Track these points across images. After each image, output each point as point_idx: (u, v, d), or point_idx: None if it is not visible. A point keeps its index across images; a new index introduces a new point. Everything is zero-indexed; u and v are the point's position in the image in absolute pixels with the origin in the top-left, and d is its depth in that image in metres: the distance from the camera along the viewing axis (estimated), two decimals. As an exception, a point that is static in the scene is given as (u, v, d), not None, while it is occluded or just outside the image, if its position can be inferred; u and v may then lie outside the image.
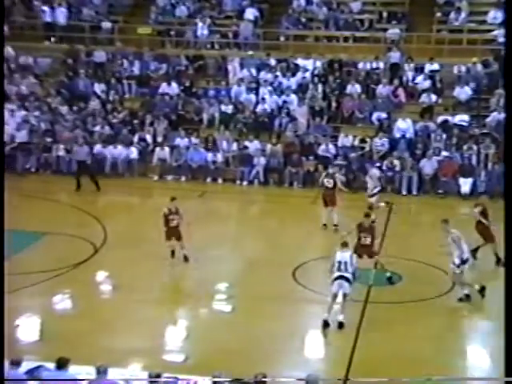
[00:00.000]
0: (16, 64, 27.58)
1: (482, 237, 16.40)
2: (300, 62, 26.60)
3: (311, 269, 16.06)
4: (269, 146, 23.76)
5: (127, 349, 12.60)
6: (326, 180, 18.84)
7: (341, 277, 13.35)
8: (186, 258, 16.26)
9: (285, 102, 25.22)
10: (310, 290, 14.93)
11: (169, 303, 14.86)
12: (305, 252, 17.17)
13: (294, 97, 25.31)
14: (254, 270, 16.03)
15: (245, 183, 23.30)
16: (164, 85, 26.06)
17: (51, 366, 10.18)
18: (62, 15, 28.56)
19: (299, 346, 12.88)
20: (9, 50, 27.63)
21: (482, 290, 14.49)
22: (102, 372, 9.69)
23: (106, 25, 28.49)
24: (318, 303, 14.19)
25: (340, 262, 13.40)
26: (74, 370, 9.99)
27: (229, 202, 22.64)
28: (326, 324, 13.29)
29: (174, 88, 25.99)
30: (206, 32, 27.84)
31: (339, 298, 13.50)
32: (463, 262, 14.35)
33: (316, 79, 25.88)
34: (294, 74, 26.25)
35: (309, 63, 26.51)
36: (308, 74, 26.20)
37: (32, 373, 10.27)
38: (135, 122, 24.93)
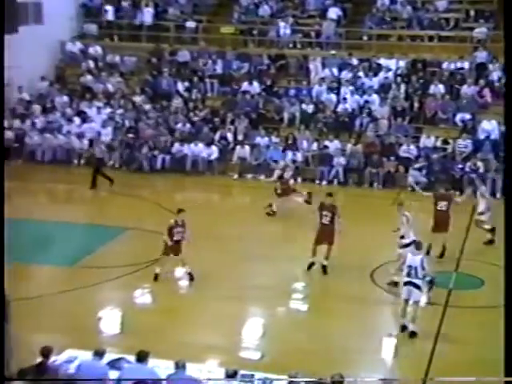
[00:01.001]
0: (103, 62, 28.29)
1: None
2: (383, 61, 26.33)
3: (390, 270, 15.87)
4: (349, 146, 23.62)
5: (205, 345, 12.78)
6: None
7: (409, 282, 12.87)
8: (191, 277, 15.39)
9: (366, 101, 25.03)
10: (388, 292, 14.77)
11: (246, 300, 14.96)
12: (384, 253, 16.98)
13: (375, 97, 25.09)
14: (331, 270, 15.96)
15: (324, 183, 23.23)
16: (246, 84, 26.25)
17: (131, 358, 10.44)
18: (148, 15, 29.13)
19: (376, 347, 12.77)
20: (97, 49, 28.41)
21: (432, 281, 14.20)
22: (180, 367, 9.86)
23: (191, 24, 28.89)
24: (396, 305, 14.04)
25: (410, 267, 12.85)
26: (153, 364, 10.19)
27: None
28: (403, 328, 13.14)
29: (256, 87, 26.14)
30: (288, 31, 27.88)
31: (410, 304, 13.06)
32: (405, 245, 14.65)
33: (399, 79, 25.58)
34: (376, 74, 26.01)
35: (391, 63, 26.21)
36: (390, 74, 25.92)
37: (113, 364, 10.56)
38: (216, 120, 25.20)
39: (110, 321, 13.80)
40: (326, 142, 23.83)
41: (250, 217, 18.36)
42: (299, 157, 23.59)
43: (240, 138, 24.59)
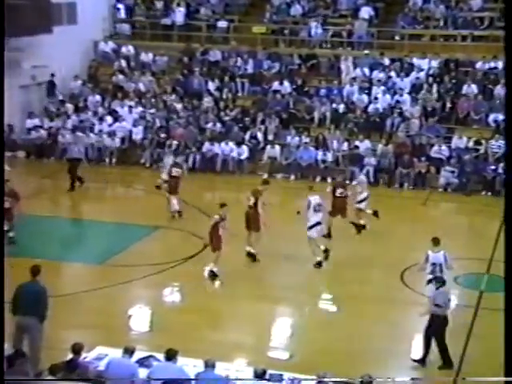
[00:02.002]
0: (135, 62, 28.48)
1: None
2: (415, 61, 26.15)
3: (419, 272, 15.74)
4: (380, 146, 23.50)
5: (233, 344, 12.81)
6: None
7: (435, 278, 12.93)
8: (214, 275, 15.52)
9: (397, 101, 24.87)
10: (417, 293, 14.66)
11: (275, 300, 14.95)
12: (414, 254, 16.84)
13: (407, 97, 24.92)
14: (361, 271, 15.90)
15: (354, 183, 23.10)
16: (276, 83, 26.24)
17: (160, 356, 10.49)
18: (180, 15, 29.26)
19: (405, 348, 12.70)
20: (129, 49, 28.62)
21: (326, 251, 16.12)
22: (209, 366, 9.89)
23: (222, 24, 28.96)
24: (425, 306, 13.94)
25: (435, 264, 13.11)
26: (181, 362, 10.23)
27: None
28: None
29: (286, 87, 26.12)
30: (319, 31, 27.81)
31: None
32: (310, 227, 15.81)
33: (431, 79, 25.38)
34: (407, 74, 25.84)
35: (424, 63, 26.02)
36: (422, 74, 25.73)
37: (142, 362, 10.62)
38: (247, 119, 25.22)
39: (139, 319, 13.91)
40: (357, 142, 23.72)
41: (280, 216, 18.32)
42: (329, 157, 23.52)
43: (270, 137, 24.59)
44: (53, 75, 26.80)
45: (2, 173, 12.20)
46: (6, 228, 16.34)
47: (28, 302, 11.38)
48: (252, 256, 16.27)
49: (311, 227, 16.07)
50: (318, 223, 16.15)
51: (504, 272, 7.73)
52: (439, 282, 12.26)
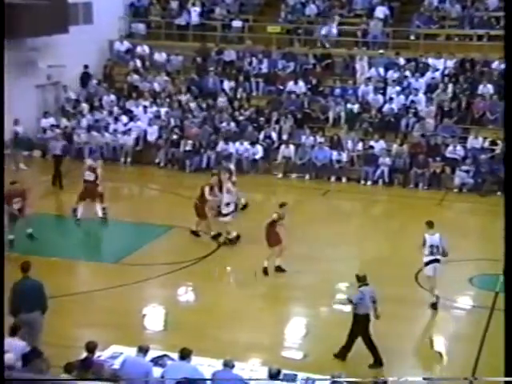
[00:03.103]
0: (150, 62, 28.55)
1: None
2: (430, 61, 26.04)
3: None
4: (394, 146, 23.43)
5: (247, 343, 12.82)
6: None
7: (434, 260, 13.98)
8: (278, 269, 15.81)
9: (412, 101, 24.78)
10: (431, 294, 14.61)
11: (289, 300, 14.97)
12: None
13: (422, 96, 24.83)
14: (375, 271, 15.77)
15: (369, 183, 23.08)
16: (291, 83, 26.21)
17: (175, 356, 10.51)
18: (195, 14, 29.30)
19: (418, 348, 12.67)
20: (145, 48, 28.70)
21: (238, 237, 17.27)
22: (228, 365, 9.90)
23: (237, 23, 28.98)
24: (439, 307, 13.92)
25: (432, 246, 13.95)
26: (196, 362, 10.24)
27: (352, 201, 22.50)
28: (434, 306, 13.98)
29: (301, 86, 26.09)
30: (334, 30, 27.77)
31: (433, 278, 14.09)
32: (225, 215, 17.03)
33: (446, 79, 25.27)
34: (423, 74, 25.74)
35: (439, 62, 25.91)
36: (438, 74, 25.62)
37: (156, 361, 10.65)
38: (261, 119, 25.22)
39: (154, 318, 13.95)
40: (372, 142, 23.66)
41: (295, 216, 18.30)
42: (344, 157, 23.48)
43: (285, 137, 24.56)
44: (86, 66, 27.32)
45: (2, 173, 12.17)
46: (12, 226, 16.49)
47: (30, 297, 11.53)
48: (265, 272, 15.85)
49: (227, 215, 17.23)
50: None
51: (504, 272, 7.74)
52: (360, 281, 12.39)
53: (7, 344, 10.16)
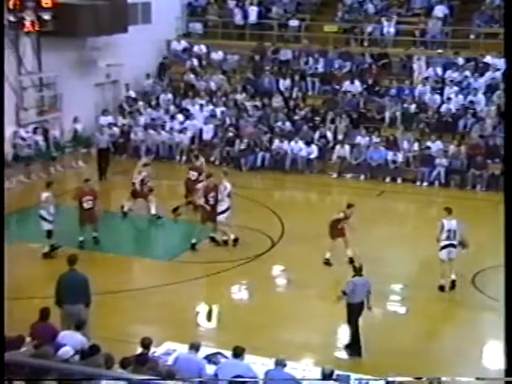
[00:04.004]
0: (207, 61, 28.75)
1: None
2: (490, 60, 25.58)
3: (491, 275, 15.45)
4: (451, 147, 23.09)
5: (301, 343, 12.83)
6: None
7: (450, 245, 14.68)
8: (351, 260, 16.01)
9: (471, 102, 24.39)
10: (488, 297, 14.39)
11: (342, 301, 14.87)
12: (485, 258, 16.53)
13: (481, 97, 24.42)
14: (430, 273, 15.66)
15: (425, 184, 22.80)
16: (347, 83, 26.08)
17: (228, 353, 10.57)
18: (252, 14, 29.39)
19: (471, 349, 12.50)
20: (201, 48, 28.91)
21: (235, 240, 17.09)
22: (280, 364, 9.92)
23: (294, 23, 28.95)
24: (495, 311, 13.66)
25: (449, 231, 14.65)
26: (249, 360, 10.28)
27: (407, 202, 22.26)
28: (442, 288, 14.68)
29: (357, 86, 25.94)
30: (392, 30, 27.51)
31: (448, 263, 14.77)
32: (221, 212, 16.90)
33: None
34: (482, 74, 25.31)
35: (500, 62, 25.41)
36: (498, 74, 25.14)
37: (210, 359, 10.73)
38: (317, 119, 25.14)
39: (207, 315, 14.04)
40: (428, 143, 23.37)
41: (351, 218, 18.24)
42: (400, 157, 23.25)
43: (340, 137, 24.45)
44: (165, 58, 28.48)
45: (2, 173, 12.34)
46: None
47: (74, 290, 11.78)
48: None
49: (223, 212, 17.03)
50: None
51: (504, 272, 7.63)
52: (355, 271, 12.80)
53: (66, 337, 10.39)
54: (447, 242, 14.68)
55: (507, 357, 6.82)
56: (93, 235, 16.96)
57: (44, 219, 16.16)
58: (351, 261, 15.75)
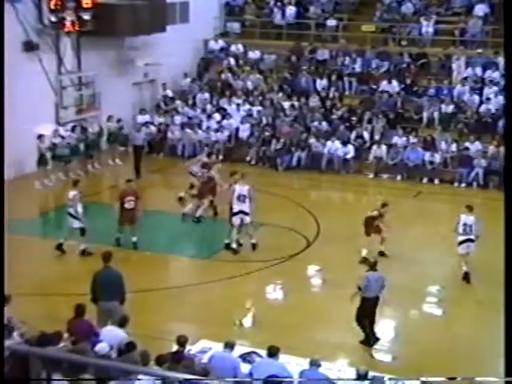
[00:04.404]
0: (244, 60, 28.80)
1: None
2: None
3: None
4: (491, 148, 22.81)
5: (335, 343, 12.79)
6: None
7: (468, 240, 15.24)
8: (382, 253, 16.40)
9: (511, 102, 24.05)
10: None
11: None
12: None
13: (522, 97, 24.06)
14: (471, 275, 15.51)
15: (463, 185, 22.57)
16: (384, 82, 25.94)
17: (262, 353, 10.59)
18: (290, 13, 29.38)
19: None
20: (239, 47, 28.98)
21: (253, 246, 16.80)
22: (314, 364, 9.92)
23: (331, 22, 28.87)
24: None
25: (465, 225, 15.23)
26: (283, 360, 10.29)
27: (445, 203, 22.04)
28: (466, 275, 15.17)
29: (395, 86, 25.77)
30: (431, 29, 27.28)
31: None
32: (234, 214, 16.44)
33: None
34: (524, 74, 24.94)
35: (541, 62, 25.04)
36: (540, 74, 24.77)
37: (245, 357, 10.76)
38: (353, 118, 25.05)
39: (242, 314, 14.05)
40: (467, 144, 23.12)
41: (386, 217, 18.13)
42: (437, 158, 23.05)
43: (377, 137, 24.33)
44: (203, 57, 28.82)
45: (2, 173, 12.38)
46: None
47: (109, 287, 11.89)
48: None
49: (235, 214, 16.50)
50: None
51: (504, 271, 7.51)
52: (370, 266, 13.03)
53: (109, 333, 10.50)
54: (465, 237, 15.29)
55: (507, 357, 6.80)
56: (132, 240, 16.78)
57: (73, 217, 16.22)
58: (382, 254, 16.16)
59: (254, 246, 16.86)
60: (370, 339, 12.71)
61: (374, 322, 12.83)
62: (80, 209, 16.19)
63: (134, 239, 16.79)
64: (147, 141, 25.01)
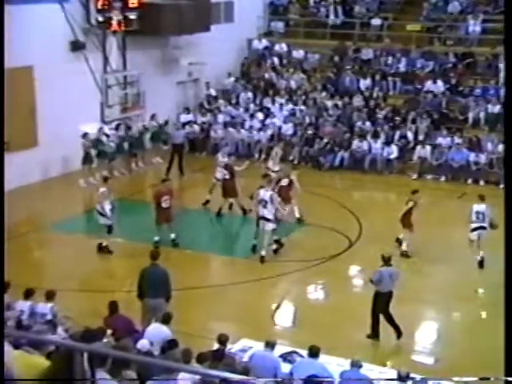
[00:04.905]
0: (288, 60, 28.79)
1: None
2: None
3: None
4: (538, 149, 22.41)
5: (376, 345, 12.73)
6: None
7: (480, 227, 15.85)
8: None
9: (560, 102, 23.63)
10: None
11: (420, 303, 14.69)
12: None
13: None
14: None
15: (509, 186, 22.20)
16: (429, 82, 25.68)
17: (303, 353, 10.59)
18: (334, 13, 29.26)
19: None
20: (282, 46, 28.98)
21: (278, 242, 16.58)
22: (355, 366, 9.89)
23: (376, 22, 28.70)
24: None
25: (478, 213, 15.93)
26: (324, 360, 10.27)
27: (490, 205, 21.69)
28: (481, 262, 15.75)
29: (440, 86, 25.49)
30: (478, 28, 26.92)
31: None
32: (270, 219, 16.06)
33: None
34: None
35: None
36: None
37: (285, 357, 10.76)
38: (397, 119, 24.86)
39: (283, 314, 14.09)
40: (513, 145, 22.74)
41: (430, 218, 17.96)
42: (483, 159, 22.74)
43: (421, 137, 24.10)
44: (246, 57, 28.76)
45: (1, 173, 12.47)
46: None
47: (155, 284, 12.01)
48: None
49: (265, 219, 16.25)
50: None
51: (504, 271, 7.35)
52: (383, 261, 13.09)
53: (153, 330, 10.62)
54: (477, 225, 15.89)
55: (507, 357, 6.71)
56: (171, 238, 16.85)
57: (101, 214, 16.35)
58: (397, 240, 16.76)
59: (262, 258, 16.18)
60: (378, 331, 12.89)
61: (392, 316, 12.84)
62: (108, 206, 16.31)
63: (173, 236, 16.88)
64: (190, 140, 25.16)
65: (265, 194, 16.22)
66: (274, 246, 16.63)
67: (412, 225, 16.52)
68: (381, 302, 12.81)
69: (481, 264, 15.89)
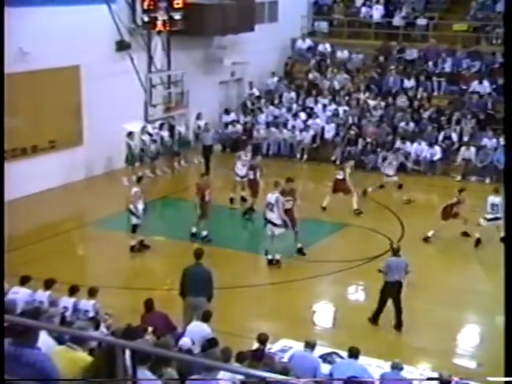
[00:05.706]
0: (331, 60, 28.68)
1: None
2: None
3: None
4: None
5: (417, 347, 12.64)
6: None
7: (495, 218, 16.40)
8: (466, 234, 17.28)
9: None
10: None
11: (462, 306, 14.52)
12: None
13: None
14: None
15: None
16: (475, 83, 25.35)
17: (343, 354, 10.56)
18: (378, 12, 29.07)
19: None
20: (326, 46, 28.89)
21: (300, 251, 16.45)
22: (396, 368, 9.83)
23: (421, 21, 28.42)
24: None
25: (493, 205, 16.57)
26: (364, 361, 10.24)
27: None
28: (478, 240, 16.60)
29: (486, 86, 25.14)
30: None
31: None
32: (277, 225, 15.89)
33: None
34: None
35: None
36: None
37: (325, 358, 10.75)
38: (442, 119, 24.59)
39: (323, 314, 14.06)
40: (561, 147, 22.34)
41: (472, 220, 17.73)
42: (529, 161, 22.34)
43: (465, 138, 23.81)
44: (290, 57, 28.87)
45: (1, 173, 12.48)
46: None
47: (197, 283, 12.09)
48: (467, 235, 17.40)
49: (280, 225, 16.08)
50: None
51: (504, 270, 7.17)
52: (393, 252, 13.60)
53: (192, 328, 10.71)
54: (492, 216, 16.60)
55: (507, 357, 6.61)
56: (203, 234, 16.96)
57: (132, 213, 16.50)
58: (465, 234, 17.24)
59: (271, 261, 15.97)
60: (378, 318, 13.15)
61: (400, 308, 13.04)
62: (140, 206, 16.48)
63: (205, 233, 17.04)
64: (232, 139, 25.23)
65: (271, 197, 16.04)
66: (299, 245, 16.56)
67: (458, 214, 17.16)
68: (388, 291, 13.09)
69: (476, 244, 16.77)
